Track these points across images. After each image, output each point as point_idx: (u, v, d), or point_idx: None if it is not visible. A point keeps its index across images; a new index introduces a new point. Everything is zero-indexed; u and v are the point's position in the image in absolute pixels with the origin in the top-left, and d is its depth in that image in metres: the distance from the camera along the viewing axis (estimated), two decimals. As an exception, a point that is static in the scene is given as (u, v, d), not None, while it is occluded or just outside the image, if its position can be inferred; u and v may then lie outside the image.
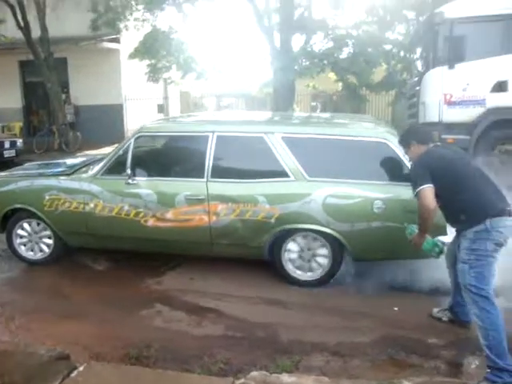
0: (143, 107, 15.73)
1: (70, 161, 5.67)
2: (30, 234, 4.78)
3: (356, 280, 4.18)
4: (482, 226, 2.84)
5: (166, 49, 13.38)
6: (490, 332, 2.77)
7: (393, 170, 3.97)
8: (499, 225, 2.83)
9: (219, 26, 20.15)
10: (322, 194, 3.96)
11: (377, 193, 3.92)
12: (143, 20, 14.14)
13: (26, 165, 6.05)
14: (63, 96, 14.67)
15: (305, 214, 4.00)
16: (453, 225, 3.18)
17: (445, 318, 3.54)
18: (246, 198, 4.08)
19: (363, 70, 12.18)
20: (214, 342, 3.33)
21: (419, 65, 8.91)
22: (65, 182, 4.60)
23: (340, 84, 14.57)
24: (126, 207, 4.34)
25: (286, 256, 4.20)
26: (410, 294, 3.98)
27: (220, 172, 4.22)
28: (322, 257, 4.14)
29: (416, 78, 8.54)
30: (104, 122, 14.79)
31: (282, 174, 4.09)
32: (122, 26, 14.06)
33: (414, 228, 3.31)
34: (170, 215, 4.25)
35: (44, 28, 13.03)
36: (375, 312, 3.74)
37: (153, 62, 13.71)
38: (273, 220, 4.05)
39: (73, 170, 4.77)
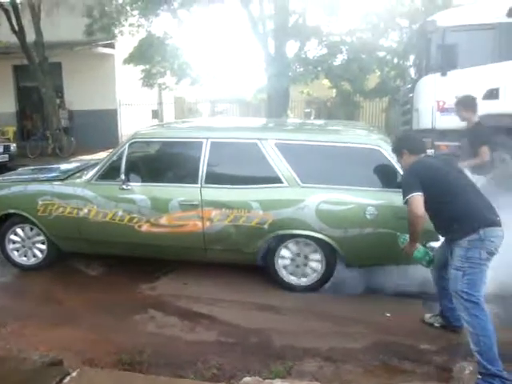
0: (137, 112, 15.73)
1: (63, 166, 5.67)
2: (23, 240, 4.77)
3: (348, 286, 4.20)
4: (475, 235, 2.88)
5: (160, 54, 13.40)
6: (480, 338, 2.79)
7: (385, 176, 4.00)
8: (491, 234, 2.89)
9: (214, 32, 20.20)
10: (316, 200, 3.99)
11: (369, 199, 3.95)
12: (138, 25, 14.17)
13: (20, 170, 6.04)
14: (57, 101, 14.64)
15: (298, 220, 4.02)
16: (444, 234, 3.19)
17: (436, 324, 3.56)
18: (239, 204, 4.10)
19: (357, 77, 12.25)
20: (207, 347, 3.33)
21: (412, 72, 8.98)
22: (58, 187, 4.59)
23: (334, 90, 14.64)
24: (120, 212, 4.34)
25: (279, 262, 4.22)
26: (402, 300, 4.00)
27: (214, 178, 4.24)
28: (315, 262, 4.16)
29: (409, 85, 8.60)
30: (98, 127, 14.78)
31: (276, 180, 4.11)
32: (116, 31, 14.08)
33: (407, 237, 3.34)
34: (163, 221, 4.26)
35: (39, 32, 13.02)
36: (367, 318, 3.76)
37: (147, 67, 13.73)
38: (266, 226, 4.07)
39: (66, 176, 4.77)
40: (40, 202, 4.54)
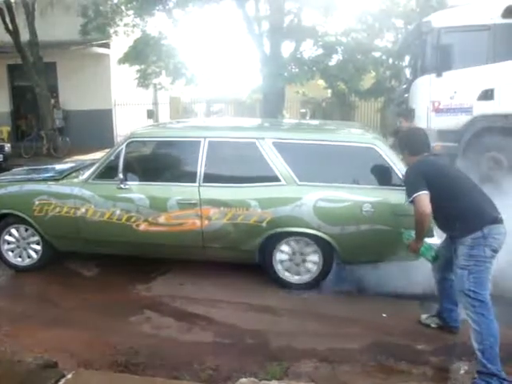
0: (133, 112, 15.68)
1: (58, 166, 5.65)
2: (17, 240, 4.74)
3: (345, 286, 4.20)
4: (478, 233, 2.89)
5: (155, 54, 13.37)
6: (484, 336, 2.80)
7: (381, 174, 4.06)
8: (495, 232, 2.90)
9: (209, 32, 20.18)
10: (313, 198, 4.02)
11: (366, 196, 3.99)
12: (133, 25, 14.14)
13: (14, 170, 6.00)
14: (52, 101, 14.57)
15: (296, 218, 4.04)
16: (447, 232, 3.22)
17: (433, 325, 3.56)
18: (237, 203, 4.11)
19: (352, 77, 12.27)
20: (203, 348, 3.32)
21: (408, 72, 9.00)
22: (55, 186, 4.57)
23: (329, 91, 14.65)
24: (118, 212, 4.33)
25: (277, 259, 4.24)
26: (399, 300, 4.00)
27: (212, 177, 4.25)
28: (313, 260, 4.19)
29: (404, 86, 8.62)
30: (93, 127, 14.72)
31: (274, 178, 4.14)
32: (111, 31, 14.05)
33: (412, 233, 3.34)
34: (162, 220, 4.25)
35: (33, 32, 12.97)
36: (364, 318, 3.76)
37: (142, 67, 13.69)
38: (264, 224, 4.08)
39: (63, 175, 4.75)
40: (36, 202, 4.52)
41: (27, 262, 4.77)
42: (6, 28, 12.69)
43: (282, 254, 4.23)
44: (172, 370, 3.04)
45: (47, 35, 13.62)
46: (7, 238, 4.75)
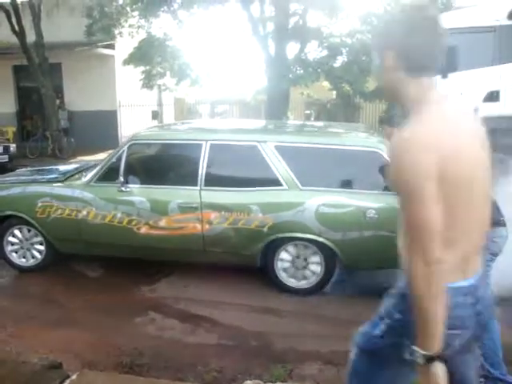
0: (137, 113, 15.72)
1: (63, 167, 5.66)
2: (21, 241, 4.75)
3: (349, 288, 4.19)
4: None
5: (160, 55, 13.42)
6: (485, 341, 2.77)
7: (385, 179, 3.99)
8: (495, 235, 2.86)
9: (214, 33, 20.18)
10: (315, 203, 3.98)
11: (370, 202, 3.94)
12: (138, 27, 14.18)
13: (18, 171, 6.03)
14: (57, 101, 14.63)
15: (298, 223, 4.02)
16: None
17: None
18: (239, 207, 4.09)
19: (357, 79, 12.26)
20: (207, 350, 3.32)
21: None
22: (57, 188, 4.58)
23: (334, 92, 14.64)
24: (119, 215, 4.33)
25: (278, 264, 4.21)
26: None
27: (213, 180, 4.23)
28: (315, 265, 4.16)
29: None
30: (98, 128, 14.77)
31: (275, 182, 4.11)
32: (116, 32, 14.09)
33: None
34: (162, 223, 4.25)
35: (39, 33, 13.03)
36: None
37: (147, 68, 13.73)
38: (266, 229, 4.06)
39: (65, 177, 4.76)
40: (39, 204, 4.53)
41: (31, 262, 4.78)
42: (13, 29, 12.75)
43: (284, 259, 4.20)
44: (176, 371, 3.04)
45: (53, 36, 13.68)
46: (11, 239, 4.76)
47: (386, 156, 3.97)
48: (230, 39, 21.05)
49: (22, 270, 4.79)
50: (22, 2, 13.38)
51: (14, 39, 12.96)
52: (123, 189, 4.35)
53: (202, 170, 4.23)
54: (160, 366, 3.11)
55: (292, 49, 13.42)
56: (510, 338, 3.13)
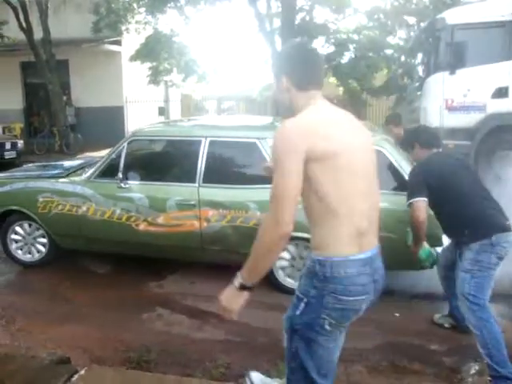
0: (144, 110, 15.74)
1: (67, 163, 5.69)
2: (23, 237, 4.78)
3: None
4: (487, 240, 2.85)
5: (167, 51, 13.43)
6: (488, 340, 2.76)
7: (387, 178, 3.86)
8: (503, 240, 2.86)
9: (221, 29, 20.18)
10: None
11: None
12: (145, 23, 14.21)
13: (25, 166, 6.07)
14: (64, 98, 14.68)
15: (297, 222, 3.94)
16: (454, 238, 3.15)
17: (447, 325, 3.53)
18: (237, 205, 4.04)
19: (364, 75, 12.21)
20: (215, 346, 3.32)
21: (420, 70, 8.93)
22: (58, 184, 4.61)
23: (341, 88, 14.59)
24: (118, 211, 4.32)
25: (277, 264, 4.09)
26: (411, 300, 3.97)
27: (212, 177, 4.17)
28: None
29: (417, 83, 8.56)
30: (105, 124, 14.81)
31: None
32: (123, 28, 14.12)
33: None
34: (161, 220, 4.22)
35: (46, 30, 13.07)
36: (376, 317, 3.71)
37: (154, 64, 13.75)
38: None
39: (67, 173, 4.78)
40: (40, 199, 4.55)
41: (37, 256, 4.81)
42: (20, 26, 12.81)
43: (282, 259, 4.11)
44: (184, 367, 3.04)
45: (60, 33, 13.73)
46: (13, 236, 4.79)
47: (388, 155, 3.89)
48: (236, 35, 21.04)
49: (30, 266, 4.81)
50: (29, -1, 13.44)
51: (21, 36, 13.02)
52: (122, 185, 4.34)
53: (201, 167, 4.18)
54: (167, 361, 3.12)
55: (299, 45, 13.37)
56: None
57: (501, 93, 6.91)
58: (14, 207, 4.69)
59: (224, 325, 3.63)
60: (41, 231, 4.73)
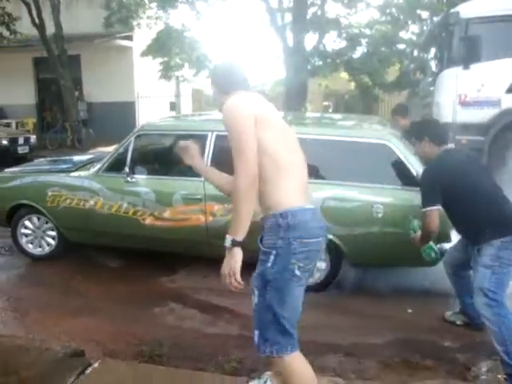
0: (155, 105, 15.78)
1: (76, 158, 5.76)
2: (33, 231, 4.82)
3: (368, 281, 4.16)
4: (508, 237, 2.82)
5: (178, 46, 13.41)
6: (507, 337, 2.74)
7: (395, 173, 3.86)
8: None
9: (232, 24, 20.17)
10: (320, 197, 3.84)
11: (377, 196, 3.81)
12: (156, 18, 14.21)
13: (35, 161, 6.14)
14: (76, 93, 14.75)
15: None
16: (471, 237, 3.05)
17: (459, 322, 3.50)
18: None
19: (376, 70, 12.12)
20: (227, 340, 3.33)
21: (433, 65, 8.84)
22: (67, 178, 4.65)
23: (352, 83, 14.51)
24: (125, 205, 4.35)
25: None
26: (425, 296, 3.96)
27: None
28: (320, 261, 4.03)
29: (430, 78, 8.47)
30: (116, 120, 14.84)
31: None
32: (135, 23, 14.14)
33: (416, 225, 3.30)
34: (167, 214, 4.24)
35: (58, 25, 13.13)
36: (389, 314, 3.72)
37: (165, 59, 13.74)
38: None
39: (76, 167, 4.83)
40: (49, 193, 4.59)
41: (47, 249, 4.85)
42: (33, 22, 12.87)
43: None
44: (196, 361, 3.04)
45: (72, 28, 13.78)
46: (23, 231, 4.83)
47: (395, 149, 3.84)
48: (247, 30, 21.00)
49: (41, 260, 4.86)
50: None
51: (34, 32, 13.08)
52: (129, 179, 4.37)
53: (207, 161, 4.11)
54: (180, 355, 3.12)
55: (310, 40, 13.33)
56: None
57: (516, 88, 6.82)
58: (24, 201, 4.73)
59: (236, 319, 3.65)
60: (49, 224, 4.77)
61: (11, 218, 4.83)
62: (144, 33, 14.39)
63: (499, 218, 2.87)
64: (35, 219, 4.80)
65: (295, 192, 2.02)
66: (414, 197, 3.53)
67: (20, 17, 13.36)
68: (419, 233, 3.25)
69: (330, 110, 17.80)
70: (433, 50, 8.96)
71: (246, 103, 2.08)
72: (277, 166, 1.99)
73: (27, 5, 12.76)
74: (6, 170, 5.26)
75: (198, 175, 4.22)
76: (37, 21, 12.89)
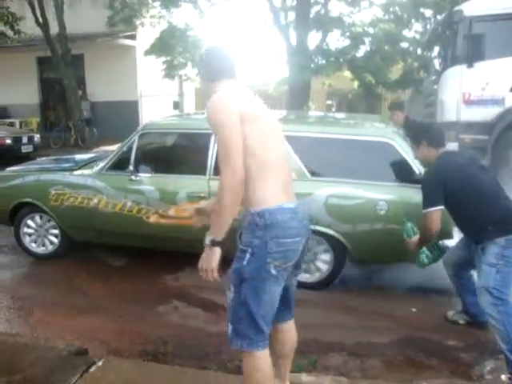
0: (159, 104, 15.79)
1: (79, 156, 5.76)
2: (36, 230, 4.83)
3: (372, 280, 4.15)
4: None
5: (181, 46, 13.42)
6: (511, 335, 2.73)
7: (397, 171, 3.86)
8: None
9: (235, 23, 20.16)
10: (324, 194, 3.87)
11: (380, 194, 3.81)
12: (159, 17, 14.22)
13: (38, 160, 6.14)
14: (80, 92, 14.79)
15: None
16: (475, 236, 3.02)
17: (461, 321, 3.49)
18: None
19: (380, 68, 12.10)
20: (231, 339, 3.32)
21: (437, 63, 8.82)
22: (70, 177, 4.65)
23: (356, 82, 14.49)
24: (129, 203, 4.35)
25: None
26: (428, 295, 3.94)
27: None
28: (324, 258, 4.04)
29: (433, 77, 8.45)
30: (120, 119, 14.87)
31: None
32: (138, 22, 14.16)
33: (410, 230, 3.30)
34: (171, 212, 4.24)
35: (62, 25, 13.17)
36: (393, 312, 3.71)
37: (169, 58, 13.75)
38: None
39: (79, 166, 4.83)
40: (52, 192, 4.59)
41: (51, 248, 4.86)
42: (37, 21, 12.91)
43: None
44: (200, 360, 3.05)
45: (75, 28, 13.80)
46: (26, 230, 4.84)
47: (398, 147, 3.84)
48: (251, 29, 20.98)
49: (45, 258, 4.86)
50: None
51: (38, 31, 13.12)
52: (133, 178, 4.37)
53: (211, 160, 4.15)
54: (184, 354, 3.13)
55: (313, 38, 13.32)
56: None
57: (520, 86, 6.80)
58: (27, 199, 4.74)
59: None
60: (52, 222, 4.78)
61: (14, 216, 4.84)
62: (147, 32, 14.40)
63: (503, 216, 2.86)
64: (38, 218, 4.81)
65: (276, 190, 2.01)
66: (416, 194, 3.52)
67: (24, 16, 13.36)
68: (416, 237, 3.24)
69: (333, 109, 17.79)
70: (436, 49, 8.95)
71: (231, 99, 2.01)
72: (257, 164, 1.98)
73: (31, 4, 12.80)
74: (9, 168, 5.26)
75: (202, 173, 4.29)
76: (40, 20, 12.93)
